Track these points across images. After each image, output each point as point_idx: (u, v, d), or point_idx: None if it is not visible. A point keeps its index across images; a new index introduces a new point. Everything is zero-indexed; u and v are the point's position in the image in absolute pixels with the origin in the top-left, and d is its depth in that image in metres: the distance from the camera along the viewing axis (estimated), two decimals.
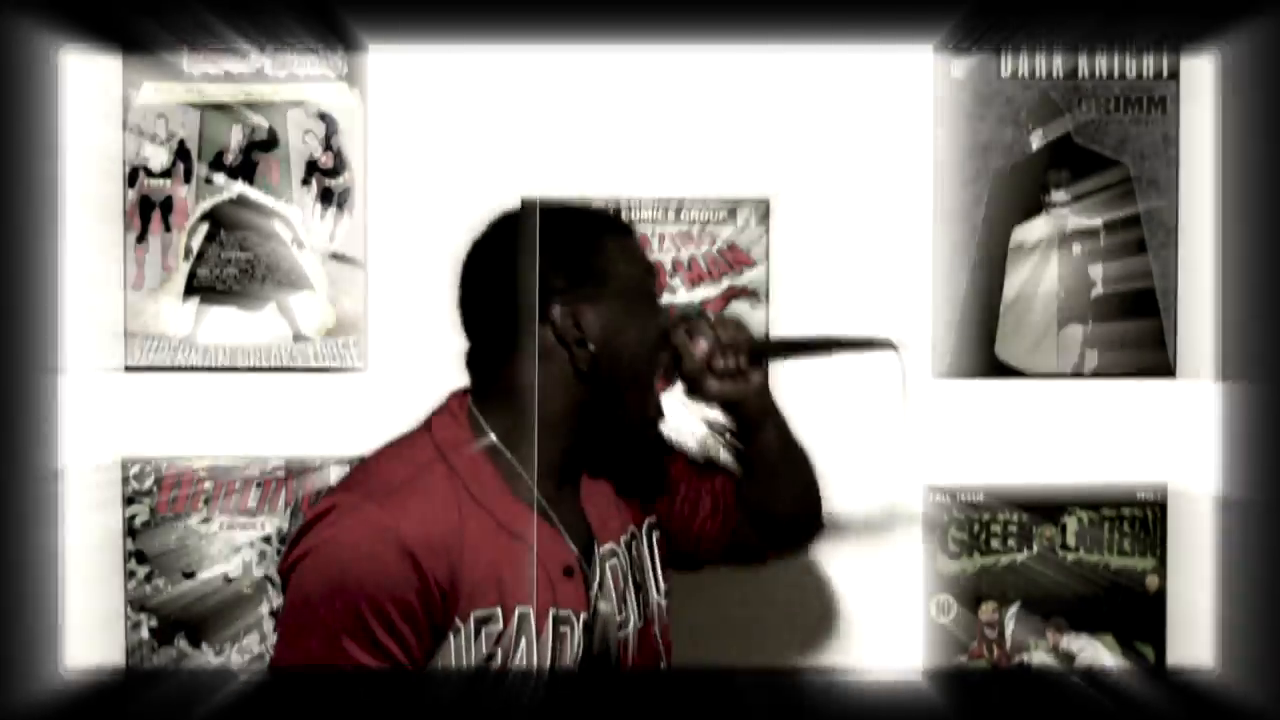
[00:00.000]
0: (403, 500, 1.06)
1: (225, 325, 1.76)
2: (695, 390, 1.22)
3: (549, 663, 1.11)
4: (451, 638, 1.07)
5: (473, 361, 1.18)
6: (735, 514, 1.33)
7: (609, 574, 1.19)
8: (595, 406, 1.14)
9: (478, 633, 1.08)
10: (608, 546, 1.20)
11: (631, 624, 1.21)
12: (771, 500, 1.31)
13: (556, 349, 1.12)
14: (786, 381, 1.78)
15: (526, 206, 1.21)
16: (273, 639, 1.72)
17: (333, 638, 1.03)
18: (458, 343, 1.18)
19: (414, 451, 1.13)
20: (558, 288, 1.11)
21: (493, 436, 1.14)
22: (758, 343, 1.25)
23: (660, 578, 1.27)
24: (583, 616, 1.14)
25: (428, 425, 1.17)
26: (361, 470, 1.14)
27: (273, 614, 1.74)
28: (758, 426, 1.26)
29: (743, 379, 1.22)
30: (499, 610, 1.08)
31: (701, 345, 1.19)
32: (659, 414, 1.21)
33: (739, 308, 1.78)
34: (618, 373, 1.13)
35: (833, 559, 1.80)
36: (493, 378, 1.16)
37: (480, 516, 1.10)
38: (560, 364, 1.12)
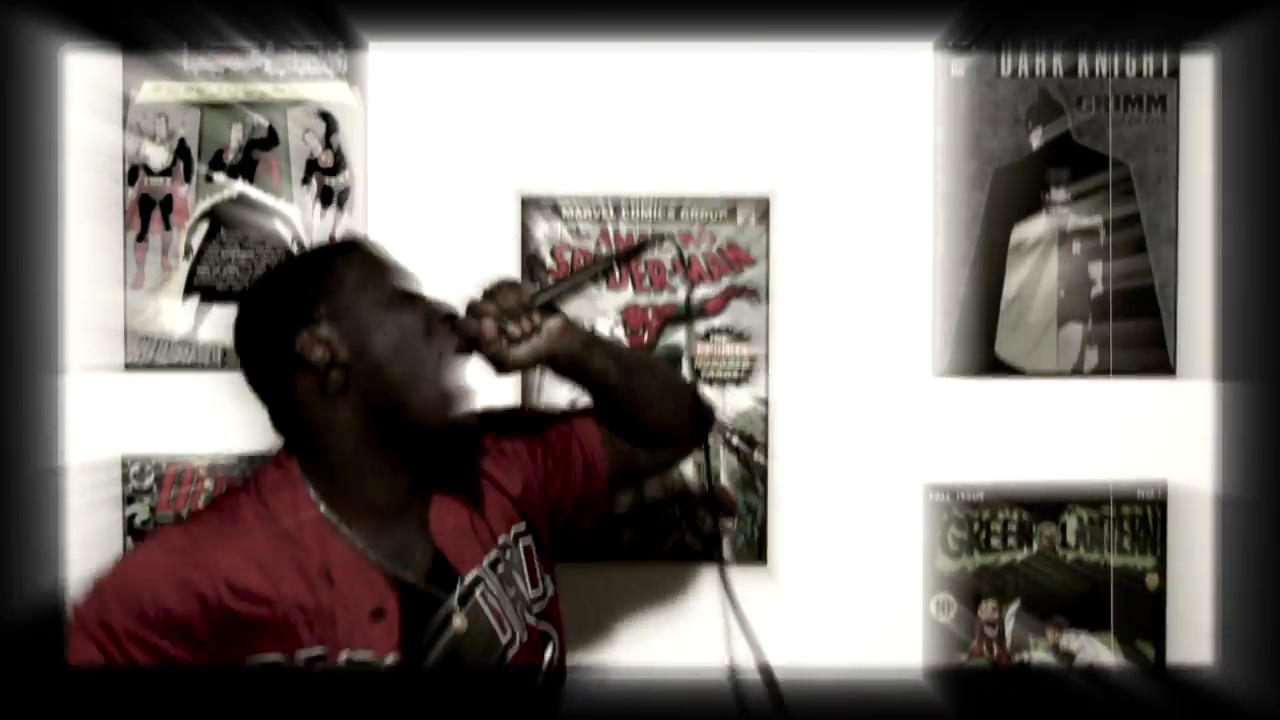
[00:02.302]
0: (216, 539, 1.08)
1: (225, 324, 1.76)
2: (503, 367, 1.19)
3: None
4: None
5: (274, 421, 1.17)
6: (605, 451, 1.32)
7: (480, 601, 1.17)
8: (380, 422, 1.12)
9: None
10: (472, 574, 1.18)
11: (517, 640, 1.19)
12: (641, 414, 1.29)
13: (313, 381, 1.10)
14: (787, 388, 1.79)
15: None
16: None
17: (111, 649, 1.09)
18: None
19: (236, 498, 1.13)
20: (298, 318, 1.10)
21: (309, 485, 1.13)
22: (537, 294, 1.21)
23: (540, 581, 1.25)
24: (389, 659, 1.10)
25: (254, 476, 1.16)
26: (190, 517, 1.15)
27: None
28: (583, 362, 1.23)
29: (539, 335, 1.19)
30: (280, 656, 1.07)
31: (488, 325, 1.16)
32: (457, 404, 1.16)
33: (739, 307, 1.79)
34: (384, 380, 1.11)
35: (833, 559, 1.80)
36: (292, 431, 1.15)
37: (288, 554, 1.09)
38: (322, 395, 1.10)
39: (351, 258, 1.15)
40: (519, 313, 1.17)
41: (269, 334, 1.11)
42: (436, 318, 1.17)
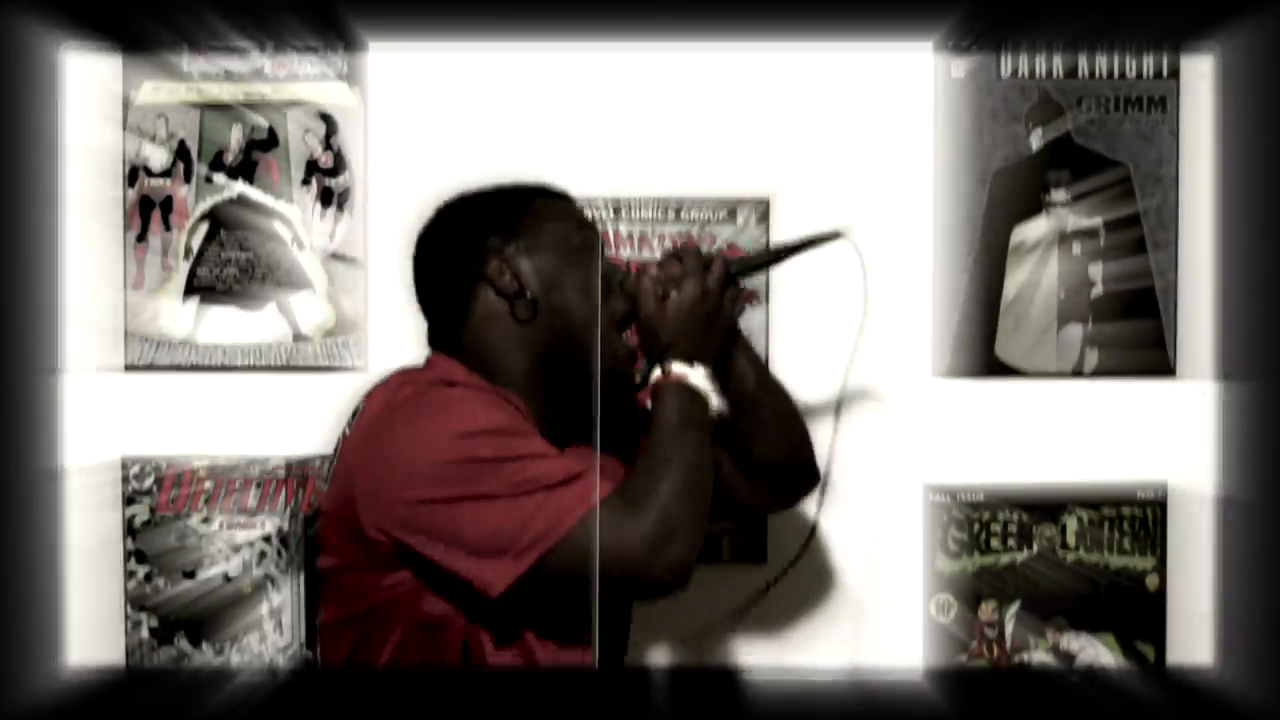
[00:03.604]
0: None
1: (225, 325, 1.76)
2: (656, 333, 1.20)
3: None
4: None
5: (433, 336, 1.23)
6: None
7: None
8: (553, 359, 1.18)
9: None
10: None
11: None
12: (756, 440, 1.31)
13: (499, 305, 1.17)
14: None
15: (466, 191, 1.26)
16: (273, 638, 1.72)
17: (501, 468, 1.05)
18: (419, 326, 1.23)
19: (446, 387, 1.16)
20: (494, 247, 1.17)
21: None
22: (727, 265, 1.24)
23: None
24: None
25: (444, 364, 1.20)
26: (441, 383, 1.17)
27: (272, 613, 1.74)
28: (729, 359, 1.27)
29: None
30: None
31: (646, 285, 1.19)
32: (624, 364, 1.22)
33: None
34: (566, 323, 1.17)
35: (833, 559, 1.80)
36: (453, 347, 1.20)
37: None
38: (506, 320, 1.17)
39: (552, 202, 1.23)
40: (676, 281, 1.20)
41: (461, 253, 1.19)
42: (614, 280, 1.22)
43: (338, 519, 1.13)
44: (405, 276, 1.28)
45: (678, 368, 1.16)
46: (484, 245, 1.18)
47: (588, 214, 1.29)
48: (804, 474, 1.41)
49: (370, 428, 1.14)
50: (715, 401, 1.18)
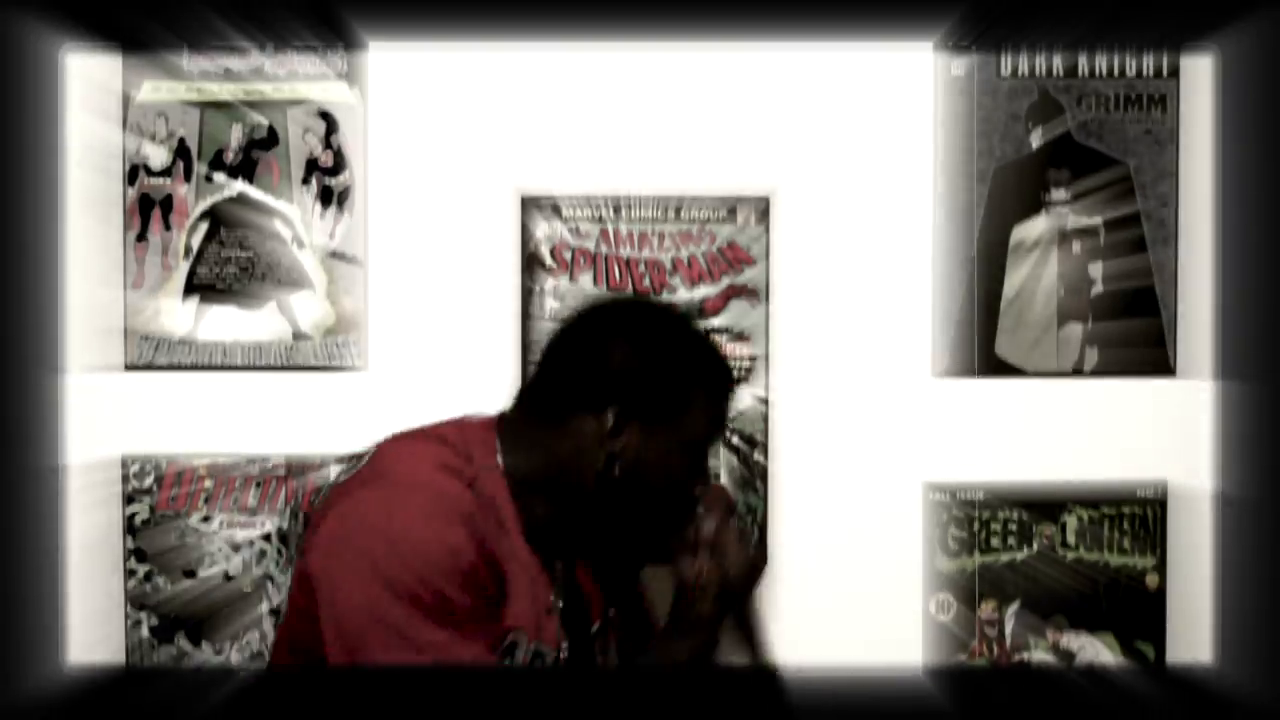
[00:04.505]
0: (444, 516, 1.06)
1: (225, 324, 1.76)
2: (666, 558, 1.21)
3: None
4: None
5: (526, 400, 1.18)
6: None
7: (596, 647, 1.23)
8: (594, 502, 1.14)
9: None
10: (597, 625, 1.24)
11: None
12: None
13: (589, 440, 1.12)
14: (787, 388, 1.79)
15: (665, 308, 1.25)
16: (272, 637, 1.72)
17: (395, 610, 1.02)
18: (516, 376, 1.19)
19: (468, 453, 1.13)
20: (624, 393, 1.11)
21: (516, 472, 1.14)
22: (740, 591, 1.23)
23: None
24: (555, 653, 1.15)
25: (475, 432, 1.16)
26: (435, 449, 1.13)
27: (273, 612, 1.74)
28: (687, 632, 1.22)
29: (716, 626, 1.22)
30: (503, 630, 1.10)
31: (702, 560, 1.18)
32: (659, 542, 1.20)
33: (739, 306, 1.79)
34: (632, 494, 1.13)
35: (833, 558, 1.80)
36: (533, 422, 1.16)
37: (491, 540, 1.09)
38: (582, 451, 1.12)
39: (713, 391, 1.17)
40: (716, 584, 1.19)
41: (604, 374, 1.12)
42: (705, 479, 1.20)
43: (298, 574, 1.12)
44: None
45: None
46: (618, 384, 1.11)
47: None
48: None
49: (336, 516, 1.09)
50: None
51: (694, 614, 1.19)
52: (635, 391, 1.11)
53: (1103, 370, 1.81)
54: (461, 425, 1.17)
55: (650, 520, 1.16)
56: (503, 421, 1.18)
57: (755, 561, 1.23)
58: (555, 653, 1.14)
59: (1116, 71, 1.80)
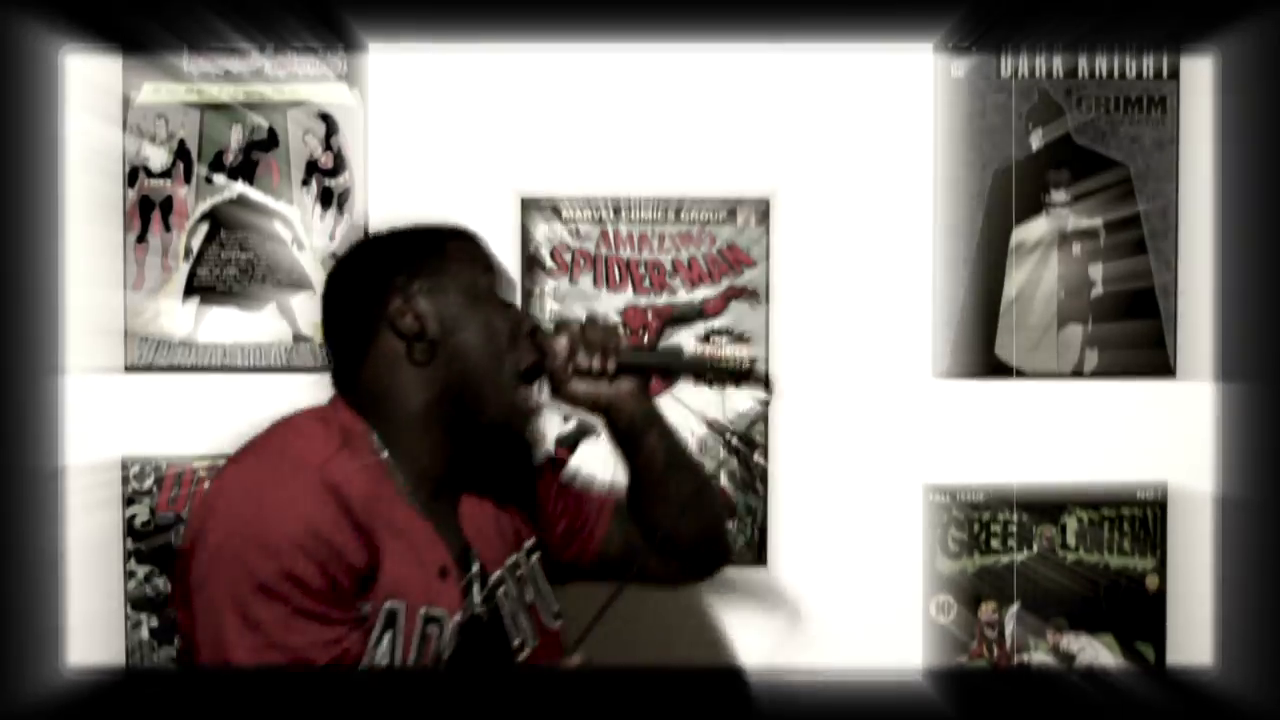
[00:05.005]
0: (302, 487, 1.07)
1: (225, 325, 1.76)
2: (557, 391, 1.22)
3: (412, 660, 1.09)
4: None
5: (336, 373, 1.19)
6: (611, 528, 1.32)
7: (498, 600, 1.19)
8: (448, 405, 1.14)
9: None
10: (496, 574, 1.20)
11: (529, 646, 1.20)
12: (662, 515, 1.29)
13: (398, 346, 1.14)
14: (787, 389, 1.79)
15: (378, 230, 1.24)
16: None
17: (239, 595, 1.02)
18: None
19: (321, 433, 1.14)
20: (397, 286, 1.14)
21: (374, 435, 1.15)
22: (627, 350, 1.23)
23: (549, 599, 1.26)
24: (455, 619, 1.12)
25: (329, 410, 1.18)
26: (266, 449, 1.15)
27: None
28: (638, 435, 1.25)
29: (607, 382, 1.21)
30: (367, 605, 1.07)
31: (561, 342, 1.20)
32: (523, 417, 1.20)
33: (739, 308, 1.79)
34: (464, 368, 1.14)
35: (833, 559, 1.80)
36: (353, 384, 1.17)
37: (375, 504, 1.10)
38: (403, 362, 1.14)
39: (461, 244, 1.20)
40: (595, 348, 1.20)
41: (365, 292, 1.15)
42: (522, 330, 1.19)
43: None
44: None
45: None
46: (388, 284, 1.14)
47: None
48: (714, 552, 1.38)
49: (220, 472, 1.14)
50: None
51: (587, 391, 1.21)
52: (399, 274, 1.15)
53: (1103, 372, 1.81)
54: (333, 405, 1.19)
55: (494, 380, 1.16)
56: (342, 400, 1.19)
57: (608, 326, 1.25)
58: (451, 616, 1.12)
59: (1116, 73, 1.80)
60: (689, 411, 1.37)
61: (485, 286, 1.18)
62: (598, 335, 1.21)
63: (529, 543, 1.27)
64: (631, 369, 1.23)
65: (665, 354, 1.36)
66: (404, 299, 1.13)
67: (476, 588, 1.17)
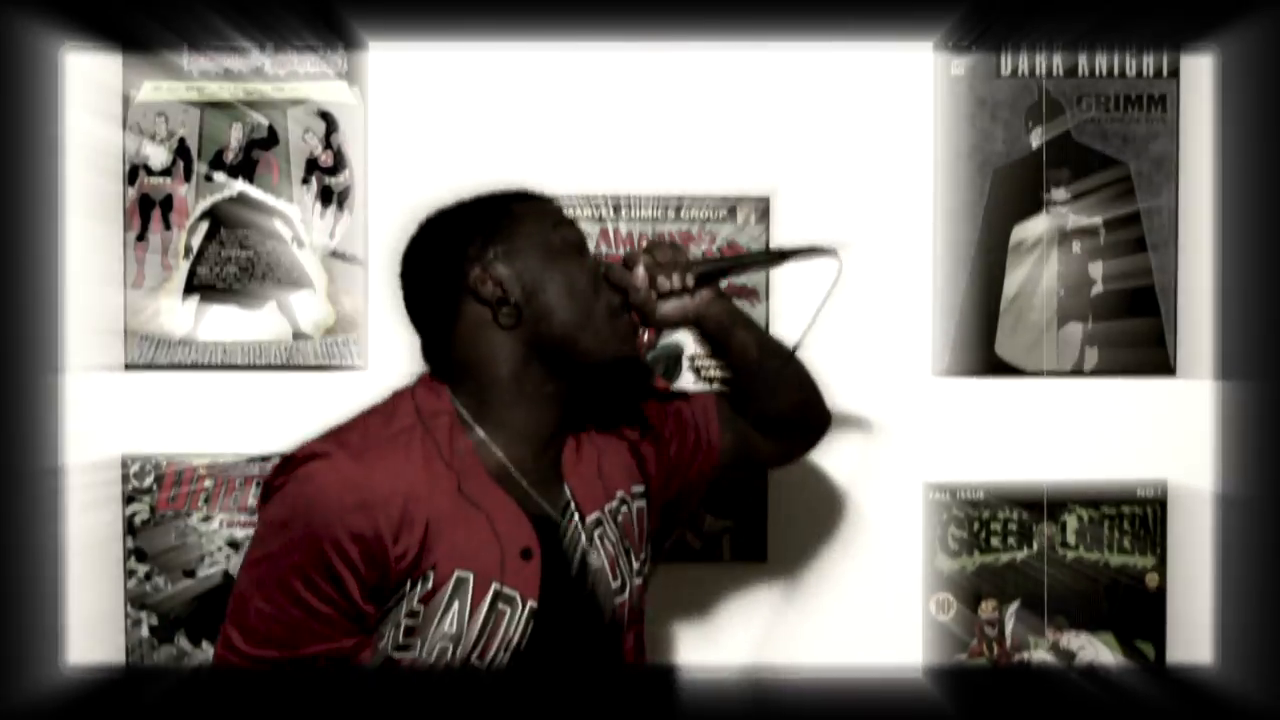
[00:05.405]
0: (377, 457, 1.10)
1: (225, 323, 1.76)
2: (648, 319, 1.25)
3: (477, 636, 1.10)
4: (393, 593, 1.10)
5: (425, 349, 1.22)
6: (724, 429, 1.37)
7: (597, 541, 1.21)
8: (545, 362, 1.17)
9: (412, 588, 1.09)
10: (593, 516, 1.22)
11: (627, 589, 1.22)
12: (768, 398, 1.35)
13: (484, 313, 1.16)
14: None
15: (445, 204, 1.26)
16: None
17: (278, 567, 1.09)
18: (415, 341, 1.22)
19: (396, 413, 1.17)
20: (473, 255, 1.16)
21: (464, 411, 1.17)
22: (699, 262, 1.28)
23: (640, 553, 1.28)
24: (529, 604, 1.13)
25: (411, 392, 1.20)
26: (346, 425, 1.17)
27: None
28: (727, 334, 1.30)
29: (689, 295, 1.25)
30: (433, 572, 1.09)
31: (639, 273, 1.22)
32: (629, 347, 1.23)
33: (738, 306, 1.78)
34: (552, 324, 1.16)
35: (833, 558, 1.80)
36: (444, 359, 1.20)
37: (448, 480, 1.12)
38: (491, 328, 1.16)
39: (528, 204, 1.22)
40: (672, 269, 1.23)
41: (442, 266, 1.17)
42: (600, 270, 1.22)
43: None
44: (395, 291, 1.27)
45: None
46: (464, 255, 1.16)
47: (568, 212, 1.28)
48: (816, 421, 1.44)
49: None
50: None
51: (671, 309, 1.25)
52: (473, 243, 1.17)
53: (1103, 370, 1.81)
54: (412, 391, 1.21)
55: (589, 327, 1.18)
56: (432, 380, 1.22)
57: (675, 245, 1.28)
58: (526, 600, 1.13)
59: (1116, 72, 1.80)
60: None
61: (558, 241, 1.20)
62: (668, 255, 1.24)
63: (636, 487, 1.30)
64: (707, 277, 1.27)
65: (735, 256, 1.42)
66: (481, 266, 1.15)
67: (580, 531, 1.20)
